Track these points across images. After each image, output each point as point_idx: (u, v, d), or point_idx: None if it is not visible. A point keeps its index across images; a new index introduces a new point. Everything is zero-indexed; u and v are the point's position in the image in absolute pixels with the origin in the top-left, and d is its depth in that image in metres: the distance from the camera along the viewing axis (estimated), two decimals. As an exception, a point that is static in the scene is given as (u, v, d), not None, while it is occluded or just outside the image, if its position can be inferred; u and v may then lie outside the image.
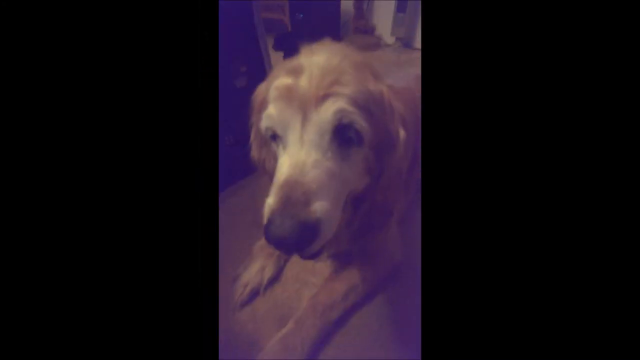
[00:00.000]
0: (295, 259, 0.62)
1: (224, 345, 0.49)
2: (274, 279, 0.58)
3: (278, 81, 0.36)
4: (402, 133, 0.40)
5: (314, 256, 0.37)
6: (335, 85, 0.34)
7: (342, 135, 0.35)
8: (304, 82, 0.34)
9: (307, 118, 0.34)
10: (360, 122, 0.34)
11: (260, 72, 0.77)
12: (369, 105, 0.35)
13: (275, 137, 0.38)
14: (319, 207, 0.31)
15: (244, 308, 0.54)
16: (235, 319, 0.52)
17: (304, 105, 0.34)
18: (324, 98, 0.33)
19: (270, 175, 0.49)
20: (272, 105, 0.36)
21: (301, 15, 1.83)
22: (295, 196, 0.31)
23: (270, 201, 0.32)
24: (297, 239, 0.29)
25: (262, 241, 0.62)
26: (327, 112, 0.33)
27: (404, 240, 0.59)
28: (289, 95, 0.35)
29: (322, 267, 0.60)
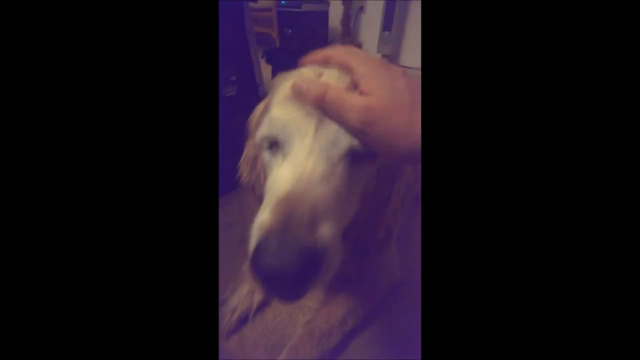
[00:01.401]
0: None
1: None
2: (264, 304, 0.53)
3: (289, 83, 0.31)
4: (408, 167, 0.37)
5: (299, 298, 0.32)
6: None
7: (355, 154, 0.29)
8: (327, 77, 0.30)
9: (324, 120, 0.29)
10: (378, 146, 0.29)
11: (250, 82, 0.74)
12: None
13: (273, 145, 0.32)
14: (326, 232, 0.24)
15: (231, 337, 0.48)
16: (223, 349, 0.47)
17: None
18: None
19: (259, 197, 0.44)
20: (277, 107, 0.31)
21: (289, 31, 1.85)
22: (300, 215, 0.24)
23: (266, 218, 0.25)
24: (297, 271, 0.22)
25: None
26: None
27: (402, 257, 0.56)
28: (302, 95, 0.29)
29: (317, 289, 0.55)
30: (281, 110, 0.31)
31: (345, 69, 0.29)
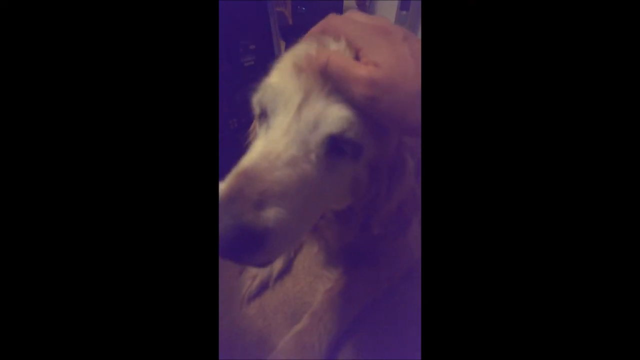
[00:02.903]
0: (306, 250, 0.57)
1: (231, 342, 0.44)
2: (284, 272, 0.53)
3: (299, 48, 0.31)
4: (410, 162, 0.35)
5: (261, 264, 0.31)
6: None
7: (335, 144, 0.29)
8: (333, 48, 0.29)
9: (308, 100, 0.28)
10: (365, 139, 0.29)
11: (268, 52, 0.72)
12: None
13: (262, 115, 0.31)
14: (273, 214, 0.25)
15: (251, 302, 0.48)
16: (243, 314, 0.47)
17: (313, 83, 0.28)
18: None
19: None
20: (275, 75, 0.31)
21: (303, 9, 1.80)
22: (250, 192, 0.24)
23: (221, 187, 0.26)
24: (231, 243, 0.23)
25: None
26: (334, 112, 0.27)
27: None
28: (300, 67, 0.29)
29: (337, 259, 0.55)
30: (277, 79, 0.30)
31: (344, 40, 0.28)
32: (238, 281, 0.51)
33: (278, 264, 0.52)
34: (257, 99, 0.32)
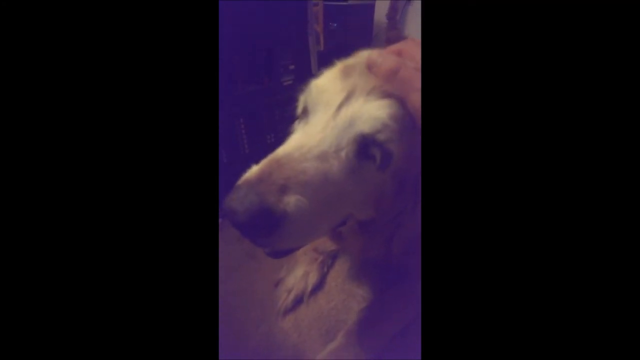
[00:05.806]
0: (338, 267, 0.58)
1: (266, 353, 0.45)
2: (317, 288, 0.54)
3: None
4: None
5: (276, 254, 0.32)
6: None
7: (366, 146, 0.30)
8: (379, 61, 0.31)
9: (349, 100, 0.30)
10: (395, 146, 0.29)
11: (307, 73, 0.75)
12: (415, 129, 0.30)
13: (304, 112, 0.34)
14: (294, 201, 0.26)
15: (287, 316, 0.50)
16: (279, 327, 0.48)
17: (357, 84, 0.30)
18: (379, 91, 0.30)
19: None
20: (323, 77, 0.33)
21: (335, 25, 1.85)
22: (276, 177, 0.26)
23: (252, 169, 0.28)
24: (250, 220, 0.25)
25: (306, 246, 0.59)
26: (370, 111, 0.29)
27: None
28: (350, 70, 0.31)
29: (370, 277, 0.55)
30: (324, 81, 0.32)
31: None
32: (274, 293, 0.52)
33: (312, 278, 0.53)
34: (303, 97, 0.34)
